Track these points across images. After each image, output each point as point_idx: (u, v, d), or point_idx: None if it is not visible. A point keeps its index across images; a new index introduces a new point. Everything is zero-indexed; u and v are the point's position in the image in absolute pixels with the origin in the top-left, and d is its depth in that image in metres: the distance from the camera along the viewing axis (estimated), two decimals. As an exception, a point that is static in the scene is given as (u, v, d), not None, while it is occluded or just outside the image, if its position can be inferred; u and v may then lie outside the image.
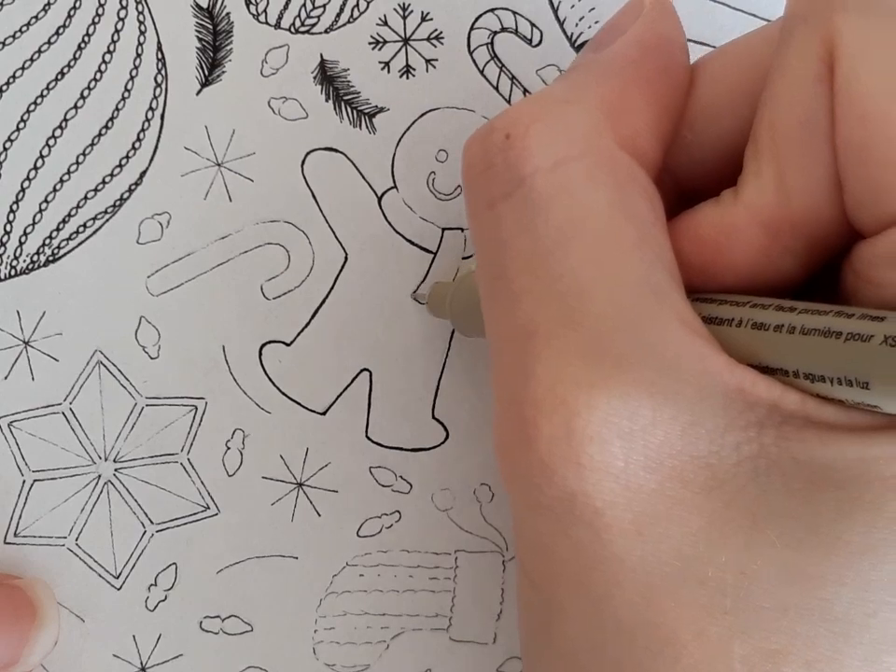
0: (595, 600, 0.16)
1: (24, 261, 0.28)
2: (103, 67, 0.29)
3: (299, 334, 0.28)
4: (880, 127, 0.15)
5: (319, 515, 0.28)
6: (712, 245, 0.17)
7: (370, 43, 0.29)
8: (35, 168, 0.28)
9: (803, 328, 0.16)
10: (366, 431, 0.28)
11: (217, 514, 0.28)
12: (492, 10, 0.29)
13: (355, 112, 0.28)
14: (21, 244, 0.28)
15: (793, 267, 0.17)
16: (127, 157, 0.28)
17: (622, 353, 0.16)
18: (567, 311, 0.17)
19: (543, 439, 0.16)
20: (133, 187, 0.28)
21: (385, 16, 0.29)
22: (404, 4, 0.29)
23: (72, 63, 0.29)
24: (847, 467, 0.15)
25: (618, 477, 0.16)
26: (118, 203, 0.28)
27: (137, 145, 0.28)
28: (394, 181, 0.28)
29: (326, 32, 0.29)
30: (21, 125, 0.28)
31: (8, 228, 0.28)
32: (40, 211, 0.28)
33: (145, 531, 0.28)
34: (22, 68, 0.29)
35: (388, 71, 0.28)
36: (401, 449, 0.28)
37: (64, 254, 0.28)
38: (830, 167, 0.16)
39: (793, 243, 0.17)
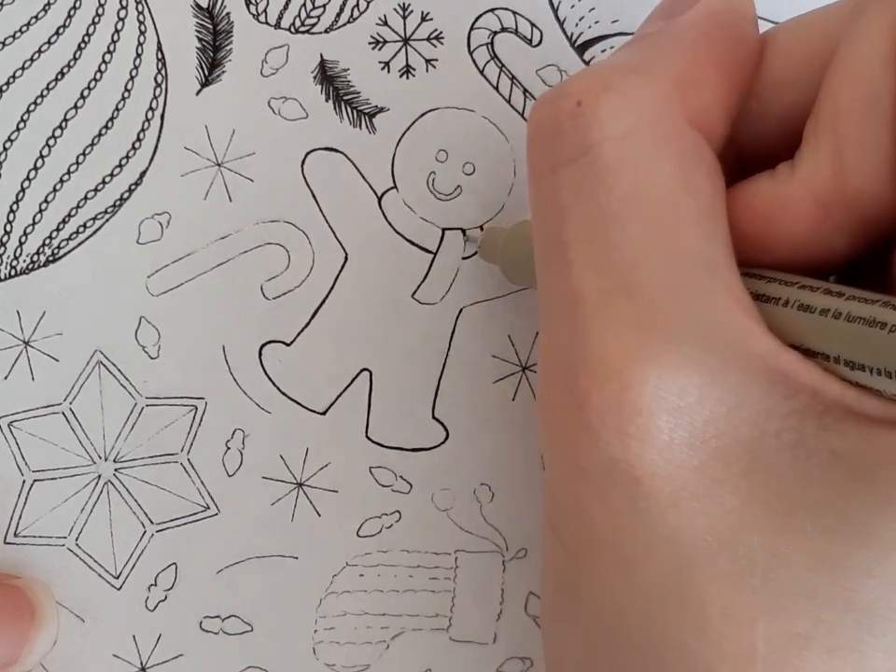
0: (627, 566, 0.17)
1: (24, 261, 0.28)
2: (103, 67, 0.29)
3: (299, 334, 0.28)
4: None
5: (319, 515, 0.28)
6: (765, 217, 0.18)
7: (370, 43, 0.29)
8: (35, 168, 0.28)
9: (849, 314, 0.16)
10: (366, 431, 0.28)
11: (217, 514, 0.28)
12: (492, 10, 0.29)
13: (355, 112, 0.28)
14: (21, 244, 0.28)
15: (843, 246, 0.17)
16: (127, 157, 0.28)
17: (673, 327, 0.16)
18: (621, 280, 0.17)
19: (593, 406, 0.16)
20: (132, 187, 0.28)
21: (384, 16, 0.29)
22: (404, 4, 0.29)
23: (72, 63, 0.29)
24: (884, 461, 0.15)
25: (661, 450, 0.16)
26: (118, 202, 0.28)
27: (137, 145, 0.28)
28: (394, 181, 0.28)
29: (326, 32, 0.29)
30: (21, 125, 0.28)
31: (8, 228, 0.28)
32: (40, 211, 0.28)
33: (145, 531, 0.28)
34: (22, 68, 0.29)
35: (388, 71, 0.28)
36: (401, 449, 0.28)
37: (64, 254, 0.28)
38: (889, 149, 0.16)
39: (846, 222, 0.17)
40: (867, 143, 0.16)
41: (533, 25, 0.29)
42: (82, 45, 0.29)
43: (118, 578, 0.28)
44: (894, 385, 0.15)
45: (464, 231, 0.28)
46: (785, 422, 0.16)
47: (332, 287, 0.28)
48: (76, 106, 0.28)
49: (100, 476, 0.28)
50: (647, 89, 0.18)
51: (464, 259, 0.28)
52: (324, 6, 0.29)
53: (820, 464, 0.16)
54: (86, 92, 0.28)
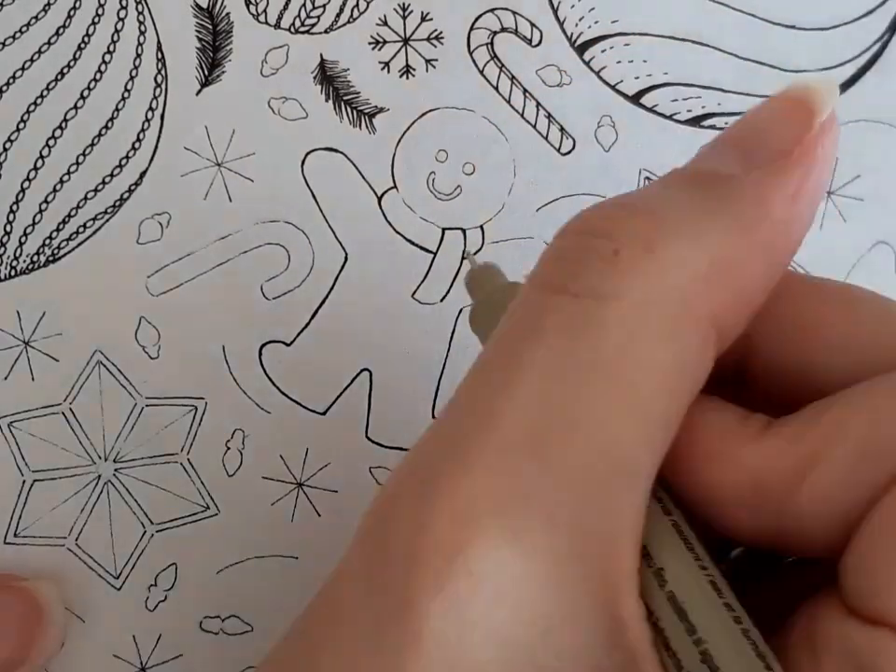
0: None
1: (24, 262, 0.28)
2: (103, 67, 0.29)
3: (299, 334, 0.28)
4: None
5: (319, 515, 0.28)
6: (703, 455, 0.16)
7: (369, 43, 0.29)
8: (35, 168, 0.28)
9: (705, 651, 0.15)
10: (366, 431, 0.28)
11: (216, 514, 0.28)
12: (492, 10, 0.29)
13: (355, 112, 0.28)
14: (21, 244, 0.28)
15: (749, 528, 0.16)
16: (127, 157, 0.28)
17: (559, 511, 0.15)
18: (543, 437, 0.15)
19: (432, 535, 0.15)
20: (132, 187, 0.28)
21: (384, 16, 0.29)
22: (404, 4, 0.29)
23: (72, 64, 0.29)
24: None
25: (464, 625, 0.14)
26: (118, 203, 0.28)
27: (137, 145, 0.28)
28: (394, 181, 0.28)
29: (326, 32, 0.29)
30: (22, 125, 0.28)
31: (8, 228, 0.28)
32: (40, 211, 0.28)
33: (145, 531, 0.28)
34: (22, 68, 0.29)
35: (388, 71, 0.29)
36: (401, 449, 0.28)
37: (64, 254, 0.28)
38: (857, 508, 0.15)
39: (766, 516, 0.16)
40: (841, 481, 0.15)
41: (533, 25, 0.29)
42: (82, 45, 0.29)
43: (118, 578, 0.28)
44: None
45: (465, 249, 0.27)
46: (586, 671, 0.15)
47: (332, 288, 0.28)
48: (76, 106, 0.28)
49: (100, 476, 0.28)
50: (685, 263, 0.16)
51: (465, 258, 0.28)
52: (324, 6, 0.29)
53: None
54: (86, 93, 0.28)
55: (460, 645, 0.14)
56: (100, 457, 0.28)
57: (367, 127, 0.28)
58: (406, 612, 0.15)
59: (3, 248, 0.28)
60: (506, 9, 0.29)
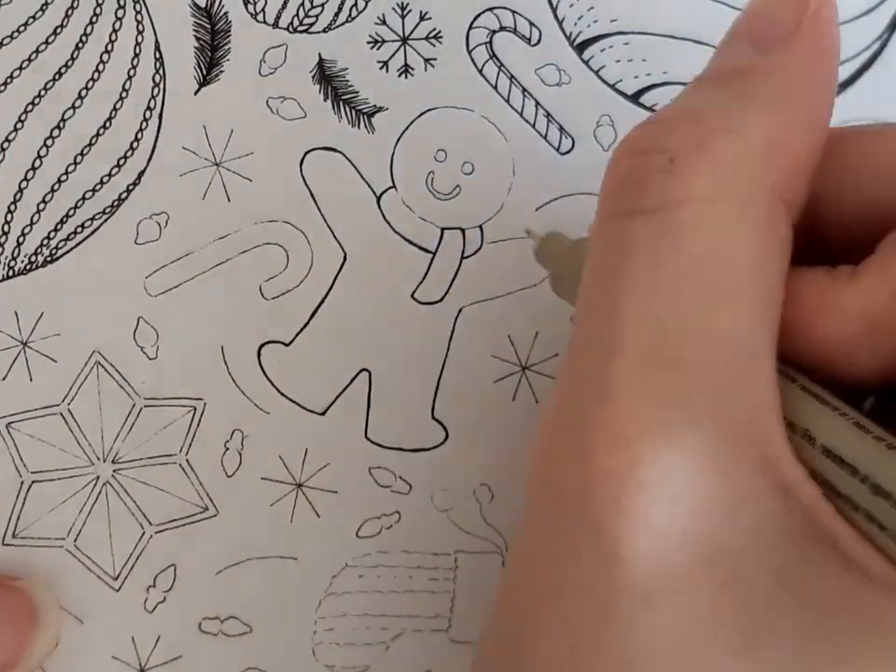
0: (576, 639, 0.16)
1: (22, 262, 0.28)
2: (100, 67, 0.29)
3: (298, 334, 0.28)
4: None
5: (319, 516, 0.28)
6: (811, 314, 0.17)
7: (368, 42, 0.29)
8: (33, 168, 0.28)
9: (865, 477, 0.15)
10: (365, 432, 0.28)
11: (215, 515, 0.28)
12: (490, 9, 0.29)
13: (353, 111, 0.28)
14: (18, 244, 0.28)
15: (873, 369, 0.17)
16: (125, 157, 0.28)
17: (700, 411, 0.16)
18: (663, 348, 0.16)
19: (597, 469, 0.16)
20: (130, 187, 0.28)
21: (383, 15, 0.29)
22: (403, 3, 0.29)
23: (70, 63, 0.28)
24: (860, 623, 0.15)
25: (654, 539, 0.15)
26: (115, 203, 0.28)
27: (135, 145, 0.28)
28: (393, 181, 0.28)
29: (324, 31, 0.29)
30: (19, 125, 0.28)
31: (6, 229, 0.28)
32: (38, 212, 0.28)
33: (143, 532, 0.28)
34: (20, 68, 0.29)
35: (387, 70, 0.28)
36: (401, 449, 0.28)
37: (62, 254, 0.28)
38: None
39: (886, 348, 0.17)
40: None
41: (532, 24, 0.29)
42: (80, 44, 0.29)
43: (116, 579, 0.27)
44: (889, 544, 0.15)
45: (528, 230, 0.27)
46: (774, 540, 0.15)
47: (331, 287, 0.28)
48: (73, 106, 0.28)
49: (98, 477, 0.28)
50: (740, 154, 0.17)
51: (465, 258, 0.28)
52: (322, 5, 0.29)
53: (795, 599, 0.15)
54: (84, 92, 0.28)
55: (656, 555, 0.15)
56: (98, 458, 0.28)
57: (366, 126, 0.28)
58: (600, 540, 0.16)
59: (1, 249, 0.28)
60: (505, 8, 0.29)
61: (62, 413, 0.28)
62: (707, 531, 0.16)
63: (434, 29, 0.29)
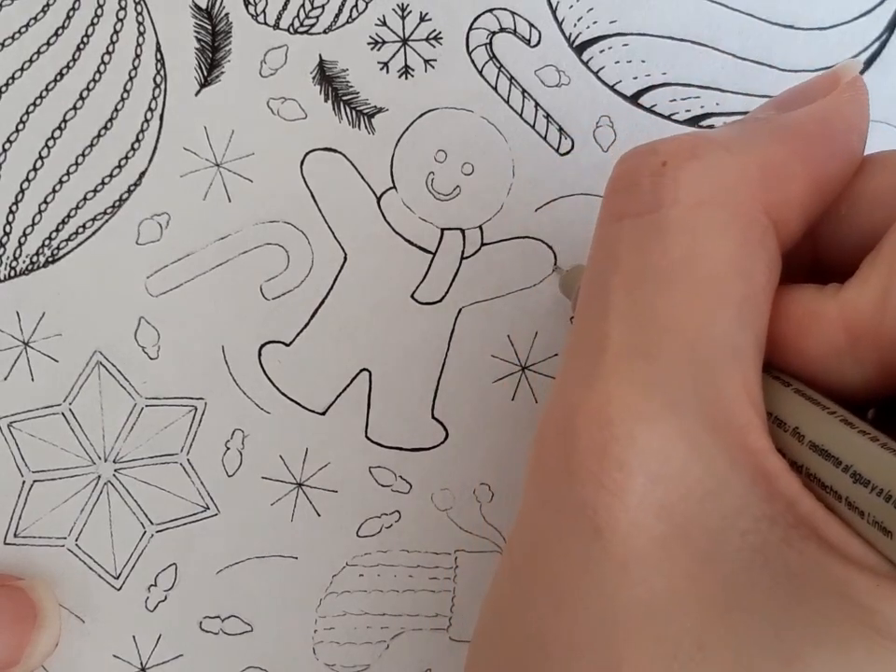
0: (562, 605, 0.17)
1: (24, 262, 0.28)
2: (102, 68, 0.29)
3: (298, 334, 0.28)
4: None
5: (319, 515, 0.28)
6: (797, 325, 0.18)
7: (368, 43, 0.29)
8: (35, 169, 0.28)
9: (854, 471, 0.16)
10: (365, 431, 0.28)
11: (216, 514, 0.28)
12: (490, 11, 0.29)
13: (354, 112, 0.28)
14: (20, 244, 0.28)
15: (861, 380, 0.18)
16: (126, 157, 0.28)
17: (679, 397, 0.17)
18: (646, 342, 0.17)
19: (579, 448, 0.17)
20: (132, 187, 0.28)
21: (383, 16, 0.29)
22: (403, 4, 0.29)
23: (71, 64, 0.29)
24: (829, 598, 0.16)
25: (629, 510, 0.16)
26: (117, 203, 0.28)
27: (136, 145, 0.28)
28: (393, 181, 0.28)
29: (324, 32, 0.29)
30: (21, 126, 0.28)
31: (8, 229, 0.28)
32: (39, 212, 0.28)
33: (144, 531, 0.28)
34: (21, 69, 0.29)
35: (387, 71, 0.29)
36: (401, 449, 0.28)
37: (64, 255, 0.28)
38: None
39: (870, 358, 0.17)
40: None
41: (531, 25, 0.29)
42: (81, 46, 0.29)
43: (117, 578, 0.28)
44: (873, 533, 0.16)
45: (555, 263, 0.28)
46: (754, 524, 0.16)
47: (332, 288, 0.28)
48: (75, 107, 0.29)
49: (100, 476, 0.28)
50: (733, 168, 0.18)
51: (464, 258, 0.28)
52: (322, 6, 0.29)
53: (773, 576, 0.16)
54: (85, 93, 0.29)
55: (633, 527, 0.16)
56: (100, 458, 0.28)
57: (366, 127, 0.28)
58: (581, 511, 0.17)
59: (2, 249, 0.28)
60: (504, 10, 0.29)
61: (63, 413, 0.28)
62: (684, 508, 0.16)
63: (434, 30, 0.29)
